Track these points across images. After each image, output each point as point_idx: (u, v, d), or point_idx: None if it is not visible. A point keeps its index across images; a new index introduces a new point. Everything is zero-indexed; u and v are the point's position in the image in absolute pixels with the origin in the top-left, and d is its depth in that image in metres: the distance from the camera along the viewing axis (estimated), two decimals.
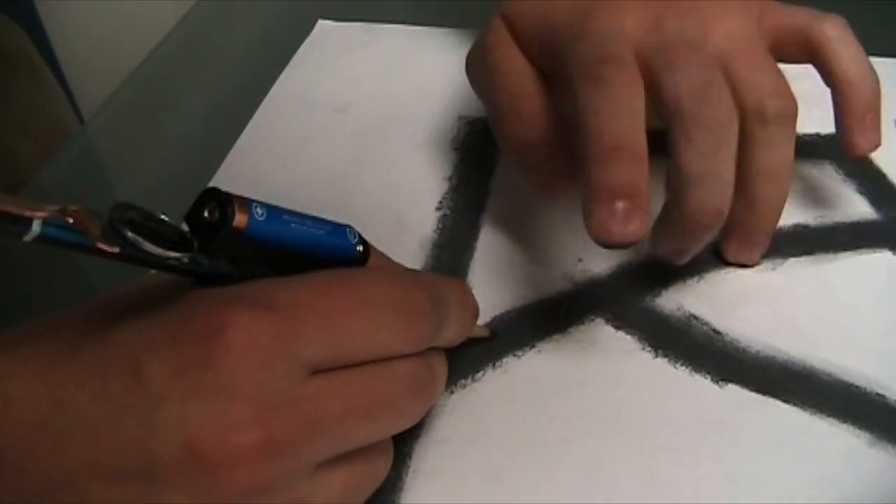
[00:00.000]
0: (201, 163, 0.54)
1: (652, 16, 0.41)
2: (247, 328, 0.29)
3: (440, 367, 0.36)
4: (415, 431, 0.39)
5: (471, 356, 0.41)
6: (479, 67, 0.46)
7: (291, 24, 0.64)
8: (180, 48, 0.65)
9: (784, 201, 0.42)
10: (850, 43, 0.43)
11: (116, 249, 0.28)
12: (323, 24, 0.63)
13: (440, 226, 0.47)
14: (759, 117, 0.40)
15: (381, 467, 0.35)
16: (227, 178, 0.51)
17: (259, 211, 0.31)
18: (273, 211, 0.31)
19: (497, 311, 0.43)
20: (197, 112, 0.60)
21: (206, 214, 0.30)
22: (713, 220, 0.39)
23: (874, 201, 0.48)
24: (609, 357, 0.41)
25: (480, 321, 0.42)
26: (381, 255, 0.37)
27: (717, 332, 0.42)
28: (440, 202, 0.48)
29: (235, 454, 0.29)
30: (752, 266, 0.44)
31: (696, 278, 0.44)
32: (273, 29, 0.65)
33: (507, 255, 0.46)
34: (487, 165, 0.50)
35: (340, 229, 0.34)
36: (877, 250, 0.45)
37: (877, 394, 0.40)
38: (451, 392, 0.40)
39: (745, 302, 0.43)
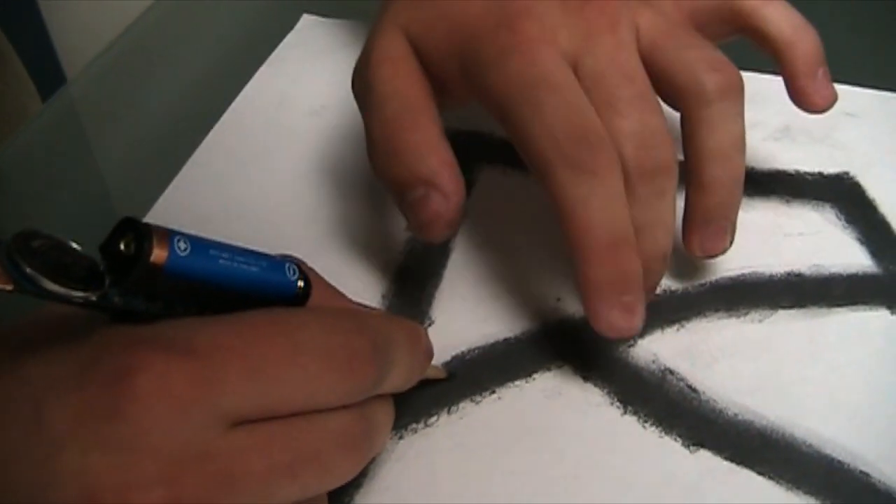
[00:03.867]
0: (182, 134, 0.52)
1: (582, 27, 0.39)
2: (159, 374, 0.27)
3: (382, 417, 0.33)
4: (357, 479, 0.36)
5: (424, 398, 0.38)
6: (360, 83, 0.41)
7: (279, 10, 0.61)
8: (169, 17, 0.61)
9: (740, 180, 0.40)
10: (777, 3, 0.41)
11: (9, 287, 0.25)
12: (307, 20, 0.59)
13: (408, 248, 0.44)
14: (697, 97, 0.39)
15: None
16: (189, 181, 0.48)
17: (182, 245, 0.28)
18: (199, 245, 0.28)
19: (458, 350, 0.40)
20: (180, 84, 0.57)
21: (121, 247, 0.27)
22: (660, 266, 0.39)
23: (874, 252, 0.44)
24: (574, 410, 0.38)
25: (439, 360, 0.39)
26: (329, 289, 0.34)
27: (693, 390, 0.39)
28: None
29: None
30: (718, 255, 0.41)
31: (675, 327, 0.41)
32: (263, 11, 0.61)
33: (477, 285, 0.42)
34: (466, 181, 0.46)
35: (278, 265, 0.31)
36: (873, 308, 0.42)
37: (861, 471, 0.37)
38: (401, 437, 0.37)
39: (726, 356, 0.40)
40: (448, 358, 0.40)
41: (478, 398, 0.39)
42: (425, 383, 0.38)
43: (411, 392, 0.37)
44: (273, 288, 0.31)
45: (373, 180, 0.45)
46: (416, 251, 0.44)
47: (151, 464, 0.26)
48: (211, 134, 0.50)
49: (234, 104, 0.52)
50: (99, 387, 0.27)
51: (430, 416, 0.38)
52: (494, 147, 0.48)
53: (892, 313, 0.42)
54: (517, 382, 0.39)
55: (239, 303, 0.30)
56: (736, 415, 0.38)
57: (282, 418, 0.29)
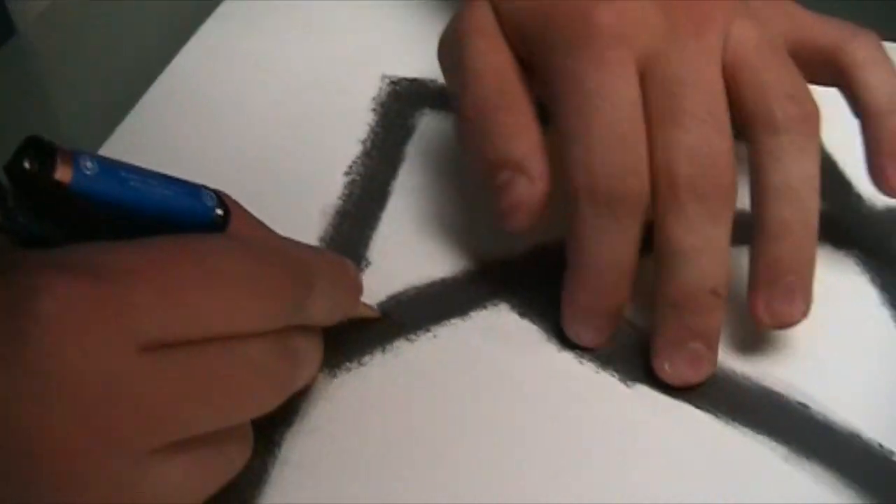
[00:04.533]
0: (131, 85, 0.51)
1: (666, 27, 0.36)
2: (63, 297, 0.26)
3: (306, 350, 0.32)
4: (287, 419, 0.35)
5: (359, 338, 0.38)
6: (449, 57, 0.39)
7: None
8: None
9: (811, 230, 0.36)
10: (882, 67, 0.38)
11: None
12: None
13: (346, 192, 0.43)
14: (767, 125, 0.36)
15: (234, 456, 0.31)
16: (131, 132, 0.47)
17: (88, 165, 0.27)
18: (107, 166, 0.27)
19: (394, 291, 0.39)
20: (128, 35, 0.56)
21: (26, 165, 0.26)
22: (708, 301, 0.36)
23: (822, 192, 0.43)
24: (510, 347, 0.38)
25: (375, 301, 0.39)
26: (251, 220, 0.33)
27: (633, 326, 0.38)
28: (350, 166, 0.44)
29: (44, 440, 0.25)
30: (790, 325, 0.37)
31: None
32: None
33: (415, 228, 0.42)
34: (405, 128, 0.45)
35: (194, 191, 0.30)
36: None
37: (799, 403, 0.36)
38: (334, 376, 0.37)
39: None
40: (384, 298, 0.39)
41: (413, 337, 0.38)
42: (360, 323, 0.37)
43: (345, 332, 0.36)
44: (189, 214, 0.30)
45: (318, 127, 0.45)
46: (355, 195, 0.43)
47: (54, 385, 0.26)
48: (154, 85, 0.49)
49: (179, 54, 0.51)
50: (2, 309, 0.26)
51: (364, 355, 0.38)
52: (436, 93, 0.47)
53: (836, 249, 0.42)
54: (453, 321, 0.39)
55: (153, 229, 0.29)
56: None
57: (196, 344, 0.28)
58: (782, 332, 0.38)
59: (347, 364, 0.37)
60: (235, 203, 0.33)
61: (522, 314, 0.39)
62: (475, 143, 0.37)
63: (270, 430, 0.35)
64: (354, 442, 0.35)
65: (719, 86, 0.36)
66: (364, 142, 0.46)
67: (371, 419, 0.36)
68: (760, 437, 0.36)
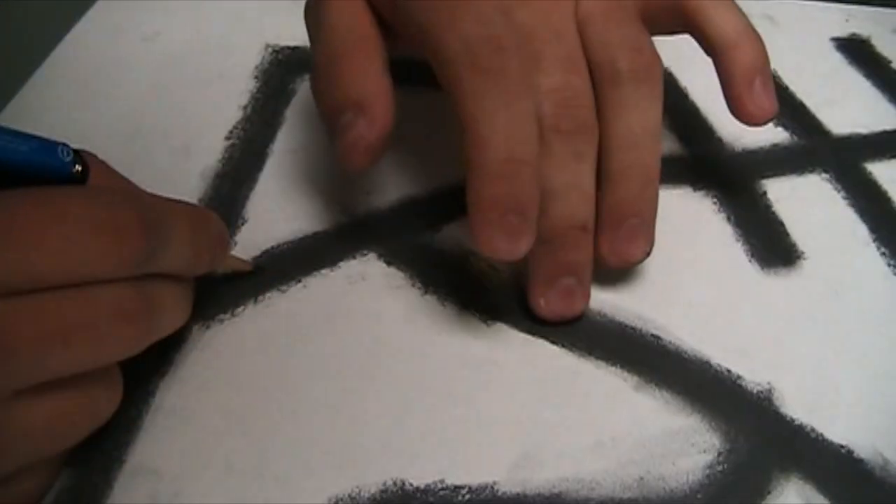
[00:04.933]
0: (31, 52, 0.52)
1: None
2: None
3: (166, 296, 0.33)
4: (161, 368, 0.37)
5: (231, 290, 0.39)
6: (311, 19, 0.40)
7: None
8: None
9: (651, 175, 0.38)
10: (724, 4, 0.39)
11: None
12: None
13: (226, 155, 0.45)
14: (610, 76, 0.37)
15: (101, 401, 0.32)
16: (22, 107, 0.48)
17: None
18: None
19: (268, 246, 0.41)
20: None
21: None
22: (579, 237, 0.37)
23: (683, 137, 0.45)
24: (376, 293, 0.39)
25: (249, 256, 0.40)
26: (113, 175, 0.34)
27: (495, 269, 0.40)
28: (230, 131, 0.46)
29: None
30: (634, 263, 0.39)
31: None
32: None
33: (290, 186, 0.43)
34: (286, 94, 0.47)
35: (50, 147, 0.31)
36: (678, 186, 0.44)
37: (652, 335, 0.38)
38: (207, 327, 0.38)
39: None
40: (258, 253, 0.41)
41: (284, 287, 0.39)
42: (234, 277, 0.39)
43: (219, 285, 0.38)
44: (44, 169, 0.31)
45: (200, 94, 0.46)
46: (234, 158, 0.44)
47: None
48: (49, 58, 0.50)
49: (71, 31, 0.52)
50: None
51: (237, 306, 0.39)
52: None
53: (695, 190, 0.44)
54: (323, 271, 0.40)
55: (9, 185, 0.30)
56: None
57: (52, 290, 0.29)
58: (641, 268, 0.40)
59: (221, 315, 0.39)
60: (97, 160, 0.34)
61: (389, 262, 0.40)
62: (324, 88, 0.37)
63: (144, 379, 0.36)
64: (227, 388, 0.37)
65: (574, 35, 0.38)
66: (245, 107, 0.47)
67: (243, 367, 0.37)
68: (613, 369, 0.37)
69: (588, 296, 0.38)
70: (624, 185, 0.37)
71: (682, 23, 0.40)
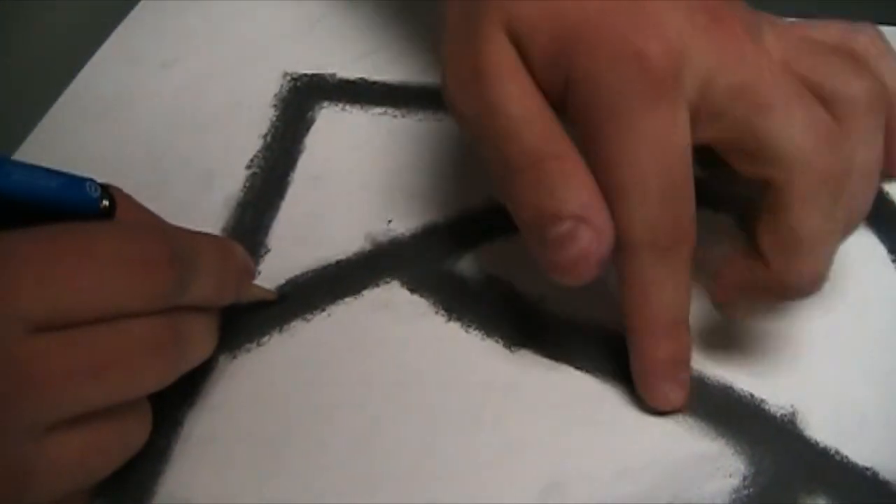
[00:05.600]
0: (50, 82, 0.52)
1: (717, 41, 0.33)
2: None
3: (195, 327, 0.34)
4: (189, 398, 0.37)
5: (257, 320, 0.40)
6: (474, 105, 0.34)
7: None
8: None
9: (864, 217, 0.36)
10: (890, 56, 0.38)
11: None
12: None
13: (248, 184, 0.45)
14: (852, 106, 0.34)
15: (132, 433, 0.33)
16: (43, 138, 0.49)
17: None
18: None
19: (292, 274, 0.41)
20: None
21: None
22: (815, 289, 0.34)
23: None
24: (400, 321, 0.40)
25: (273, 285, 0.41)
26: (139, 209, 0.35)
27: (516, 294, 0.40)
28: (251, 160, 0.46)
29: None
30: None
31: (503, 238, 0.42)
32: None
33: (312, 214, 0.44)
34: (305, 121, 0.47)
35: (78, 182, 0.32)
36: None
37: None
38: (234, 357, 0.39)
39: None
40: (282, 282, 0.41)
41: (308, 316, 0.40)
42: (258, 306, 0.39)
43: (244, 315, 0.38)
44: (74, 205, 0.32)
45: (219, 122, 0.47)
46: (256, 186, 0.45)
47: None
48: (68, 88, 0.51)
49: (93, 57, 0.53)
50: None
51: (263, 335, 0.39)
52: (335, 87, 0.49)
53: (716, 212, 0.44)
54: (346, 300, 0.40)
55: (39, 222, 0.30)
56: (557, 315, 0.40)
57: (84, 325, 0.30)
58: None
59: (247, 345, 0.39)
60: (123, 194, 0.35)
61: (413, 290, 0.41)
62: (526, 194, 0.34)
63: (173, 409, 0.37)
64: (255, 417, 0.37)
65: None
66: (265, 136, 0.47)
67: (270, 395, 0.38)
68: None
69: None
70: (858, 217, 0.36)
71: None
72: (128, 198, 0.35)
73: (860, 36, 0.37)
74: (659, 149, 0.32)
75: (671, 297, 0.35)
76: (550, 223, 0.33)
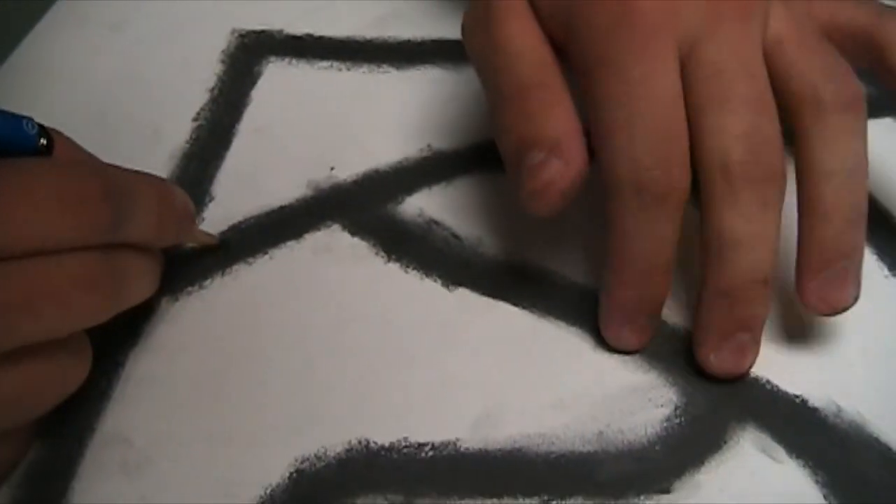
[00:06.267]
0: None
1: (709, 9, 0.35)
2: None
3: (134, 265, 0.34)
4: (130, 339, 0.38)
5: (200, 264, 0.40)
6: (481, 40, 0.37)
7: None
8: None
9: (860, 212, 0.35)
10: None
11: None
12: None
13: (193, 136, 0.45)
14: (812, 107, 0.35)
15: (71, 371, 0.33)
16: None
17: None
18: None
19: (234, 221, 0.41)
20: None
21: None
22: (760, 292, 0.35)
23: None
24: (340, 263, 0.40)
25: (216, 231, 0.41)
26: (76, 148, 0.35)
27: (457, 237, 0.41)
28: (197, 113, 0.46)
29: None
30: (841, 311, 0.36)
31: (443, 184, 0.43)
32: None
33: (256, 164, 0.44)
34: (252, 76, 0.48)
35: (15, 120, 0.32)
36: None
37: None
38: (176, 300, 0.39)
39: (490, 207, 0.42)
40: (225, 228, 0.41)
41: (250, 260, 0.40)
42: (202, 252, 0.40)
43: (186, 259, 0.39)
44: (10, 142, 0.32)
45: (168, 80, 0.47)
46: (201, 138, 0.45)
47: None
48: (17, 50, 0.51)
49: (40, 22, 0.53)
50: None
51: (205, 279, 0.40)
52: (282, 42, 0.50)
53: None
54: (288, 243, 0.41)
55: None
56: (495, 255, 0.40)
57: (18, 258, 0.30)
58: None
59: (189, 288, 0.39)
60: (61, 134, 0.35)
61: (354, 233, 0.41)
62: (513, 122, 0.35)
63: (114, 350, 0.37)
64: (196, 358, 0.38)
65: (764, 70, 0.35)
66: (212, 90, 0.48)
67: (211, 336, 0.38)
68: (574, 329, 0.38)
69: (758, 352, 0.36)
70: (830, 224, 0.35)
71: (870, 57, 0.38)
72: (66, 138, 0.35)
73: (889, 24, 0.37)
74: (646, 93, 0.33)
75: (649, 246, 0.34)
76: (527, 150, 0.34)
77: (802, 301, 0.35)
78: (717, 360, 0.36)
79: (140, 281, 0.35)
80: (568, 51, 0.35)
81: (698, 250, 0.35)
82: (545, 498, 0.34)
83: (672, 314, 0.39)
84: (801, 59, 0.35)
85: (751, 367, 0.36)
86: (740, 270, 0.34)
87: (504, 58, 0.36)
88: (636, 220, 0.34)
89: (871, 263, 0.40)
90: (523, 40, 0.36)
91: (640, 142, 0.33)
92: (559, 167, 0.34)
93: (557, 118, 0.34)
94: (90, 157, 0.36)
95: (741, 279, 0.34)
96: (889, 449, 0.35)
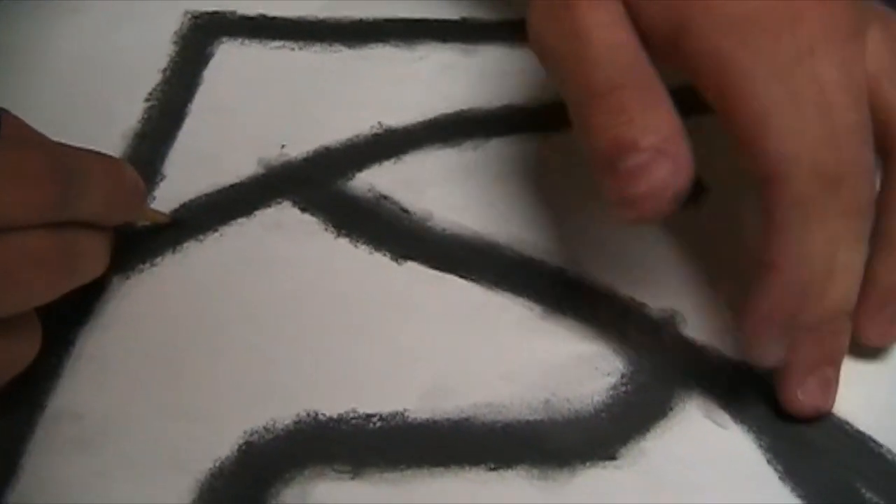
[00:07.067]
0: None
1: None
2: None
3: (85, 243, 0.34)
4: (80, 318, 0.38)
5: (152, 242, 0.40)
6: (560, 29, 0.33)
7: None
8: None
9: None
10: None
11: None
12: None
13: (145, 116, 0.45)
14: None
15: (20, 348, 0.34)
16: None
17: None
18: None
19: (186, 199, 0.42)
20: None
21: None
22: (846, 321, 0.34)
23: None
24: (291, 239, 0.40)
25: (168, 209, 0.41)
26: (26, 128, 0.35)
27: (405, 211, 0.41)
28: (150, 94, 0.46)
29: None
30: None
31: (392, 160, 0.43)
32: None
33: (208, 143, 0.44)
34: (204, 56, 0.48)
35: None
36: None
37: (558, 267, 0.39)
38: (127, 278, 0.39)
39: (439, 181, 0.42)
40: (176, 206, 0.42)
41: (201, 237, 0.41)
42: (153, 230, 0.40)
43: (137, 237, 0.39)
44: None
45: (120, 60, 0.47)
46: (153, 118, 0.45)
47: None
48: None
49: None
50: None
51: (156, 256, 0.40)
52: (234, 23, 0.50)
53: None
54: (239, 220, 0.41)
55: None
56: (444, 229, 0.41)
57: None
58: (550, 204, 0.42)
59: (140, 266, 0.40)
60: (9, 114, 0.35)
61: (304, 209, 0.41)
62: (603, 121, 0.32)
63: (64, 329, 0.38)
64: (147, 335, 0.38)
65: (866, 97, 0.33)
66: (164, 70, 0.48)
67: (162, 314, 0.38)
68: (521, 300, 0.39)
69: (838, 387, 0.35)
70: None
71: None
72: (14, 117, 0.35)
73: None
74: (806, 75, 0.31)
75: (821, 244, 0.32)
76: (625, 152, 0.30)
77: (861, 334, 0.35)
78: (805, 395, 0.34)
79: (90, 258, 0.35)
80: (665, 47, 0.33)
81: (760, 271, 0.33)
82: (491, 465, 0.34)
83: (623, 286, 0.39)
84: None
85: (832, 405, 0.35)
86: (834, 302, 0.33)
87: (592, 50, 0.32)
88: (806, 210, 0.31)
89: None
90: (612, 30, 0.33)
91: (809, 126, 0.31)
92: (670, 170, 0.30)
93: (661, 118, 0.31)
94: (39, 135, 0.36)
95: (833, 311, 0.33)
96: (832, 413, 0.35)
